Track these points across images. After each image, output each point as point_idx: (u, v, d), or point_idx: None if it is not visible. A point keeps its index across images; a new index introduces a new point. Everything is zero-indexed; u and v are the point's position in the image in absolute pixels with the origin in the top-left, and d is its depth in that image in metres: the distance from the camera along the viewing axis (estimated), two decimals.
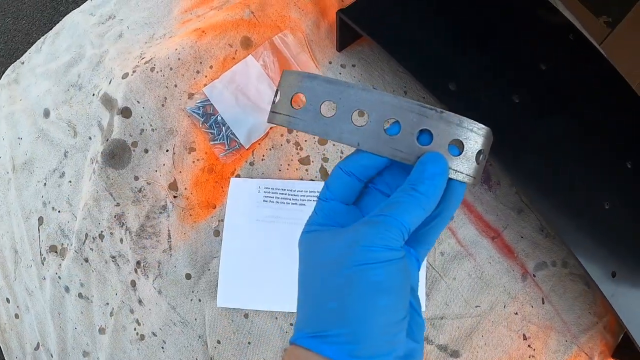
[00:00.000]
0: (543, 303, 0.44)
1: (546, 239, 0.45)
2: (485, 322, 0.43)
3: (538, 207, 0.43)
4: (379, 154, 0.23)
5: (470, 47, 0.48)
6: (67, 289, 0.51)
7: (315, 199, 0.45)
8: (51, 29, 0.64)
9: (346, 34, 0.48)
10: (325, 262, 0.22)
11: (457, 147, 0.23)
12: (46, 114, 0.58)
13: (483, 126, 0.23)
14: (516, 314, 0.43)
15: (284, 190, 0.45)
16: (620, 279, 0.41)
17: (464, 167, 0.23)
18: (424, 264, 0.45)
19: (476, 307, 0.43)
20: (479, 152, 0.23)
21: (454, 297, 0.44)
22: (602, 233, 0.41)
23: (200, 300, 0.45)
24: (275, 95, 0.24)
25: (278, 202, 0.45)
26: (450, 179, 0.23)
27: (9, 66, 0.65)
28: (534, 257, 0.45)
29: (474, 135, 0.23)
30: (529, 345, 0.43)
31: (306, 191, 0.45)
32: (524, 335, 0.43)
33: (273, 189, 0.45)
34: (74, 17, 0.63)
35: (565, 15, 0.54)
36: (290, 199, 0.45)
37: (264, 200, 0.45)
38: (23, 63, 0.66)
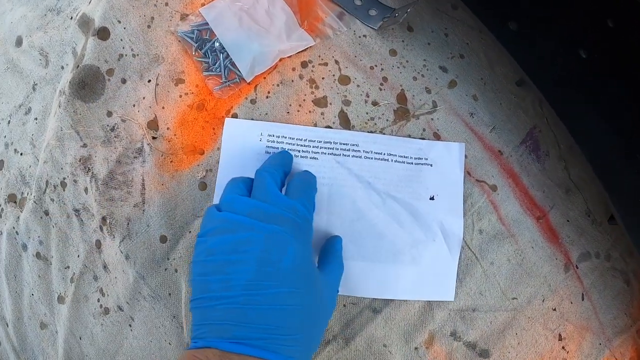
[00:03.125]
0: (582, 299, 0.38)
1: (592, 226, 0.39)
2: (521, 317, 0.37)
3: (606, 183, 0.35)
4: None
5: None
6: (24, 247, 0.42)
7: (332, 151, 0.36)
8: None
9: None
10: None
11: None
12: (18, 42, 0.49)
13: None
14: (554, 310, 0.37)
15: (293, 138, 0.35)
16: None
17: None
18: (460, 243, 0.36)
19: (513, 299, 0.37)
20: None
21: (490, 285, 0.37)
22: None
23: (176, 271, 0.36)
24: None
25: None
26: None
27: None
28: (579, 245, 0.39)
29: None
30: (563, 347, 0.37)
31: (320, 141, 0.35)
32: (559, 335, 0.37)
33: (279, 136, 0.35)
34: None
35: None
36: (300, 151, 0.35)
37: (267, 152, 0.35)
38: None
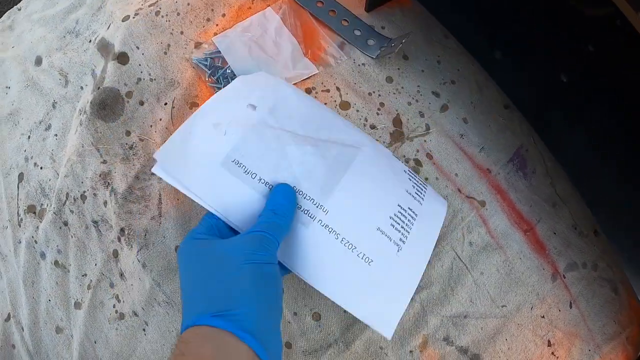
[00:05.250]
0: (570, 307, 0.40)
1: (579, 238, 0.41)
2: (510, 324, 0.39)
3: (588, 199, 0.39)
4: None
5: (519, 16, 0.42)
6: (42, 255, 0.45)
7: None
8: None
9: None
10: (221, 260, 0.29)
11: None
12: (38, 61, 0.52)
13: None
14: (543, 317, 0.39)
15: None
16: None
17: None
18: (452, 254, 0.39)
19: (502, 306, 0.39)
20: None
21: (480, 294, 0.39)
22: None
23: None
24: None
25: None
26: None
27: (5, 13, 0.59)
28: (566, 256, 0.41)
29: None
30: (552, 353, 0.39)
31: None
32: (549, 341, 0.39)
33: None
34: None
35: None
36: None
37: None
38: (20, 9, 0.61)
